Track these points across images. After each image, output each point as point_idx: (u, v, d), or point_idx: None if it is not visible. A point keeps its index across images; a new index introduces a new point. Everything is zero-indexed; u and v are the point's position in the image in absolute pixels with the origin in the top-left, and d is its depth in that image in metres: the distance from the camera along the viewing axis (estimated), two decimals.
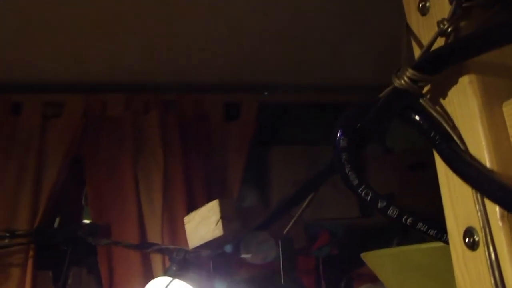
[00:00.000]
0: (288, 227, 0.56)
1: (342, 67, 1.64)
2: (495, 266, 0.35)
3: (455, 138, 0.38)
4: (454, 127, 0.38)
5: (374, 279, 1.83)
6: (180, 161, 1.57)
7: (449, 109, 0.39)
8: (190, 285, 0.46)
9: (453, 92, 0.39)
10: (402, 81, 0.39)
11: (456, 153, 0.37)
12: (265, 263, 0.60)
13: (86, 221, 1.63)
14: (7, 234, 1.46)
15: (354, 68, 1.62)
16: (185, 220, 0.61)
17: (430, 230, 0.42)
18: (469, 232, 0.37)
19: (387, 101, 0.41)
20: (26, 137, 1.57)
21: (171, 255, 0.68)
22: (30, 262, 1.48)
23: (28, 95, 1.62)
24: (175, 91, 1.66)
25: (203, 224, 0.55)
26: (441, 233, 0.42)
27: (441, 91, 0.40)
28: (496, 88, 0.37)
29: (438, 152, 0.39)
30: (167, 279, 0.51)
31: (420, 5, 0.42)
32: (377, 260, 0.56)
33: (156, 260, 1.47)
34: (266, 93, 1.74)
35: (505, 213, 0.34)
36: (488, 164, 0.36)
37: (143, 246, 1.02)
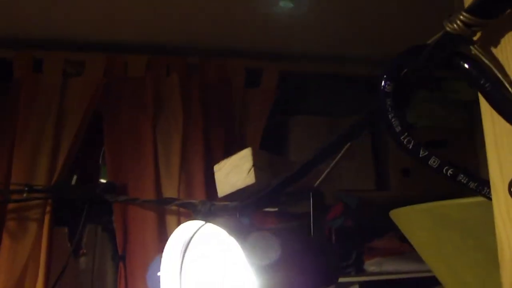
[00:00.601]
0: (319, 180, 0.57)
1: (364, 40, 1.62)
2: None
3: (507, 85, 0.37)
4: (506, 75, 0.38)
5: (384, 253, 1.85)
6: (199, 124, 1.57)
7: (501, 57, 0.39)
8: (224, 229, 0.46)
9: (506, 39, 0.38)
10: (455, 25, 0.38)
11: (507, 98, 0.36)
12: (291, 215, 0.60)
13: (102, 181, 1.65)
14: (26, 189, 1.48)
15: (377, 41, 1.60)
16: (215, 168, 0.61)
17: (470, 182, 0.42)
18: None
19: (437, 46, 0.40)
20: (47, 94, 1.58)
21: (195, 208, 0.69)
22: (47, 218, 1.51)
23: (50, 53, 1.62)
24: (197, 55, 1.65)
25: (235, 172, 0.56)
26: (482, 186, 0.42)
27: (495, 38, 0.39)
28: None
29: (488, 99, 0.38)
30: (198, 223, 0.51)
31: None
32: (407, 216, 0.56)
33: (171, 221, 1.49)
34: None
35: None
36: None
37: (164, 202, 1.02)
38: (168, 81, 1.60)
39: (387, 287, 1.69)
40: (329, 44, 1.68)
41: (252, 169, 0.52)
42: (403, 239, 1.69)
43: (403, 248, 1.67)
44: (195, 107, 1.59)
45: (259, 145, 1.66)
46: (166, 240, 1.56)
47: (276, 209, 0.61)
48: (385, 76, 0.42)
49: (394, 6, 1.44)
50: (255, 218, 0.54)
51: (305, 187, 0.55)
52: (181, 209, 1.48)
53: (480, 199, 0.43)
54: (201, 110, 1.59)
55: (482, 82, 0.38)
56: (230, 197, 0.58)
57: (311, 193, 0.54)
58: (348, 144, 0.50)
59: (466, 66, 0.39)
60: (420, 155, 0.42)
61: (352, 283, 1.67)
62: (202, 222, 0.50)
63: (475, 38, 0.39)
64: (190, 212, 1.48)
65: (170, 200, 0.92)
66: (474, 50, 0.39)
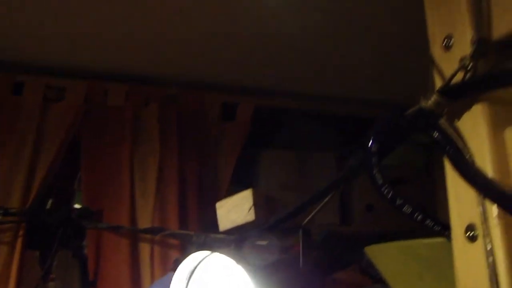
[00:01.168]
0: (307, 219, 0.65)
1: (337, 78, 1.75)
2: (491, 256, 0.45)
3: (466, 152, 0.48)
4: (465, 144, 0.48)
5: (346, 285, 1.94)
6: (175, 153, 1.64)
7: (462, 129, 0.49)
8: (232, 258, 0.54)
9: (466, 117, 0.49)
10: (429, 103, 0.48)
11: (466, 164, 0.47)
12: (282, 250, 0.69)
13: (77, 206, 1.68)
14: (0, 211, 1.50)
15: (348, 81, 1.73)
16: (217, 206, 0.69)
17: (435, 226, 0.52)
18: (470, 227, 0.47)
19: (415, 118, 0.50)
20: (26, 118, 1.60)
21: (190, 239, 0.76)
22: (19, 241, 1.52)
23: (31, 77, 1.66)
24: (175, 86, 1.73)
25: (235, 210, 0.64)
26: (444, 229, 0.52)
27: (457, 115, 0.50)
28: (501, 116, 0.47)
29: (452, 162, 0.48)
30: (203, 253, 0.59)
31: (445, 41, 0.52)
32: (380, 252, 0.66)
33: (145, 248, 1.53)
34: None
35: (501, 212, 0.44)
36: (490, 174, 0.46)
37: (154, 231, 1.07)
38: (147, 110, 1.66)
39: None
40: (302, 82, 1.80)
41: (252, 208, 0.61)
42: (364, 272, 1.80)
43: (364, 281, 1.77)
44: (171, 137, 1.66)
45: (231, 176, 1.74)
46: (138, 267, 1.60)
47: (266, 242, 0.69)
48: (372, 139, 0.52)
49: (365, 49, 1.57)
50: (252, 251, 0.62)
51: (295, 224, 0.64)
52: (155, 238, 1.54)
53: (442, 239, 0.53)
54: (177, 140, 1.66)
55: (447, 148, 0.48)
56: (232, 230, 0.65)
57: (301, 230, 0.63)
58: (333, 192, 0.59)
59: (436, 135, 0.50)
60: (397, 203, 0.52)
61: None
62: (208, 252, 0.57)
63: (443, 113, 0.49)
64: (165, 240, 1.54)
65: (160, 230, 0.97)
66: (442, 123, 0.49)
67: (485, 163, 0.46)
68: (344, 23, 1.43)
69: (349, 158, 1.82)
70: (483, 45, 0.47)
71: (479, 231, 0.46)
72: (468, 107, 0.49)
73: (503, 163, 0.46)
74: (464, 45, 0.50)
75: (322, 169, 1.83)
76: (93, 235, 1.54)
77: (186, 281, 0.61)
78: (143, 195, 1.58)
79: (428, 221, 0.52)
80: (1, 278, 1.47)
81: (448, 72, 0.51)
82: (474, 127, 0.48)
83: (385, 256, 0.65)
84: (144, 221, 1.54)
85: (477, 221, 0.46)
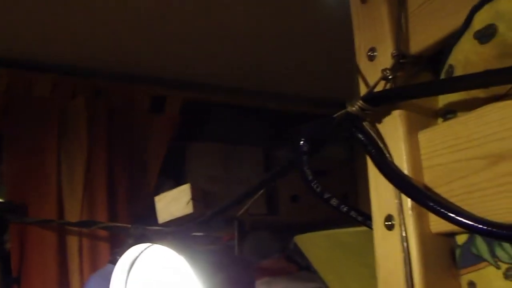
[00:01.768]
0: (241, 211, 0.70)
1: (266, 74, 1.82)
2: (405, 242, 0.52)
3: (385, 152, 0.54)
4: (385, 145, 0.55)
5: (272, 273, 2.02)
6: (104, 146, 1.62)
7: (382, 131, 0.56)
8: (172, 248, 0.57)
9: (386, 121, 0.56)
10: (354, 108, 0.54)
11: (385, 162, 0.53)
12: (216, 240, 0.73)
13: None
14: None
15: (277, 76, 1.79)
16: (156, 199, 0.72)
17: (359, 216, 0.59)
18: (388, 218, 0.54)
19: (341, 121, 0.56)
20: None
21: (127, 232, 0.78)
22: None
23: None
24: (104, 79, 1.71)
25: (174, 204, 0.67)
26: (366, 219, 0.59)
27: (379, 119, 0.56)
28: (416, 121, 0.54)
29: (373, 161, 0.55)
30: (144, 245, 0.61)
31: (369, 53, 0.59)
32: (308, 241, 0.72)
33: (73, 244, 1.51)
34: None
35: (414, 204, 0.51)
36: (405, 171, 0.53)
37: (87, 224, 1.06)
38: (74, 103, 1.63)
39: None
40: (231, 76, 1.85)
41: (191, 201, 0.64)
42: (290, 260, 1.89)
43: (290, 268, 1.85)
44: (100, 130, 1.64)
45: (159, 168, 1.75)
46: (66, 263, 1.58)
47: (203, 233, 0.72)
48: (303, 139, 0.57)
49: (295, 46, 1.64)
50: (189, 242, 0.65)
51: (230, 215, 0.68)
52: (83, 231, 1.52)
53: (365, 228, 0.60)
54: (105, 133, 1.64)
55: (369, 148, 0.55)
56: (167, 224, 0.68)
57: (236, 221, 0.67)
58: (265, 188, 0.64)
59: (360, 136, 0.56)
60: (325, 197, 0.58)
61: None
62: (149, 244, 0.60)
63: (366, 118, 0.56)
64: (93, 234, 1.52)
65: (93, 223, 0.96)
66: (365, 125, 0.56)
67: (402, 161, 0.53)
68: (275, 20, 1.48)
69: (281, 155, 1.90)
70: (402, 58, 0.54)
71: (396, 221, 0.53)
72: (388, 112, 0.56)
73: (416, 161, 0.53)
74: (386, 58, 0.57)
75: (250, 162, 1.89)
76: (16, 230, 1.49)
77: (127, 272, 0.63)
78: (71, 189, 1.55)
79: (352, 213, 0.59)
80: None
81: (371, 81, 0.58)
82: (393, 130, 0.55)
83: (313, 244, 0.71)
84: (72, 216, 1.52)
85: (394, 212, 0.53)
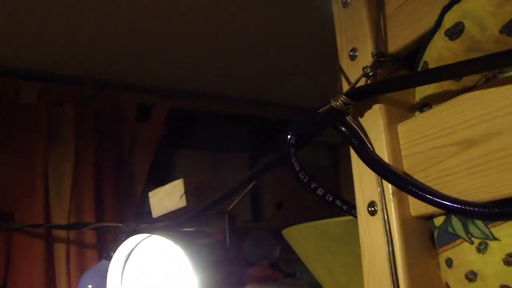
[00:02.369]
0: (232, 205, 0.73)
1: (251, 82, 1.86)
2: (387, 225, 0.56)
3: (367, 143, 0.58)
4: (367, 136, 0.59)
5: (258, 280, 2.05)
6: (91, 153, 1.64)
7: (364, 124, 0.60)
8: (169, 239, 0.60)
9: (368, 114, 0.60)
10: (337, 103, 0.58)
11: (367, 152, 0.57)
12: (208, 235, 0.76)
13: None
14: None
15: (262, 84, 1.84)
16: (150, 195, 0.75)
17: (343, 205, 0.63)
18: (371, 204, 0.58)
19: (326, 115, 0.60)
20: None
21: (119, 230, 0.81)
22: None
23: None
24: (91, 86, 1.73)
25: (168, 198, 0.70)
26: (351, 208, 0.63)
27: (360, 113, 0.61)
28: (395, 114, 0.59)
29: (356, 151, 0.59)
30: (141, 236, 0.64)
31: (351, 53, 0.63)
32: (296, 233, 0.75)
33: (60, 250, 1.52)
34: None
35: (395, 190, 0.55)
36: (386, 160, 0.57)
37: (77, 226, 1.07)
38: (63, 110, 1.65)
39: None
40: (217, 84, 1.89)
41: (184, 195, 0.67)
42: (275, 267, 1.92)
43: (276, 275, 1.88)
44: (88, 137, 1.66)
45: (147, 175, 1.77)
46: (53, 269, 1.59)
47: (194, 229, 0.75)
48: (290, 133, 0.61)
49: (278, 54, 1.69)
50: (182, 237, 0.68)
51: (221, 210, 0.71)
52: (70, 237, 1.53)
53: (350, 218, 0.64)
54: (93, 140, 1.67)
55: (352, 140, 0.59)
56: (161, 218, 0.72)
57: (226, 215, 0.70)
58: (255, 180, 0.68)
59: (343, 129, 0.60)
60: (312, 186, 0.62)
61: None
62: (145, 235, 0.63)
63: (349, 112, 0.60)
64: (81, 240, 1.53)
65: (84, 224, 0.97)
66: (348, 119, 0.60)
67: (383, 151, 0.58)
68: (261, 29, 1.53)
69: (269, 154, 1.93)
70: (382, 57, 0.59)
71: (378, 206, 0.57)
72: (369, 107, 0.60)
73: (396, 151, 0.58)
74: (366, 57, 0.61)
75: (236, 168, 1.92)
76: (2, 238, 1.50)
77: (124, 263, 0.66)
78: (58, 196, 1.57)
79: (337, 202, 0.63)
80: None
81: (353, 78, 0.62)
82: (374, 123, 0.59)
83: (300, 236, 0.75)
84: (60, 220, 1.53)
85: (376, 198, 0.57)
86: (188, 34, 1.55)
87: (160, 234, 0.62)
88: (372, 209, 0.58)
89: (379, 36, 0.61)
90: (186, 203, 0.67)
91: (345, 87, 0.63)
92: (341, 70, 0.64)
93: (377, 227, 0.57)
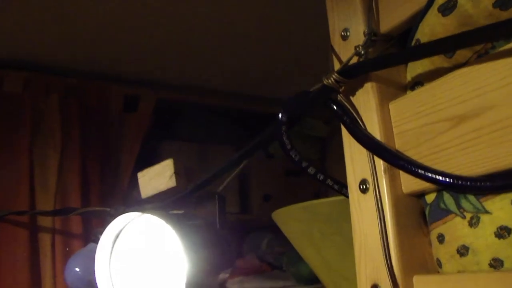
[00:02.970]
0: (222, 186, 0.73)
1: (238, 75, 1.85)
2: (379, 203, 0.56)
3: (359, 121, 0.58)
4: (358, 114, 0.59)
5: (245, 272, 2.05)
6: (77, 144, 1.62)
7: (356, 103, 0.60)
8: (160, 217, 0.59)
9: (360, 92, 0.60)
10: (329, 81, 0.58)
11: (359, 129, 0.57)
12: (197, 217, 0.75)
13: None
14: None
15: (248, 78, 1.83)
16: (139, 175, 0.74)
17: (334, 185, 0.63)
18: (363, 182, 0.58)
19: (317, 93, 0.60)
20: None
21: (108, 213, 0.80)
22: None
23: None
24: (76, 77, 1.71)
25: (157, 178, 0.69)
26: (342, 188, 0.63)
27: (352, 92, 0.61)
28: (387, 93, 0.59)
29: (348, 129, 0.59)
30: (132, 214, 0.63)
31: (342, 33, 0.63)
32: (286, 214, 0.75)
33: (45, 240, 1.50)
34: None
35: (387, 167, 0.55)
36: (378, 138, 0.57)
37: (63, 212, 1.05)
38: (48, 101, 1.62)
39: None
40: (203, 77, 1.88)
41: (174, 175, 0.67)
42: (262, 259, 1.92)
43: (263, 267, 1.88)
44: (73, 127, 1.64)
45: (133, 167, 1.76)
46: (38, 258, 1.56)
47: (182, 211, 0.75)
48: (282, 110, 0.61)
49: (265, 49, 1.69)
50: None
51: (211, 191, 0.71)
52: (56, 226, 1.51)
53: (340, 198, 0.64)
54: (79, 131, 1.64)
55: (344, 118, 0.59)
56: (150, 200, 0.71)
57: (217, 196, 0.70)
58: (246, 160, 0.68)
59: (335, 107, 0.60)
60: (303, 165, 0.61)
61: None
62: (135, 214, 0.62)
63: (341, 90, 0.60)
64: (66, 229, 1.52)
65: (70, 210, 0.95)
66: (340, 97, 0.60)
67: (374, 129, 0.58)
68: (247, 23, 1.53)
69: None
70: (374, 36, 0.59)
71: (370, 184, 0.57)
72: (360, 85, 0.60)
73: (388, 129, 0.58)
74: (358, 36, 0.61)
75: (222, 160, 1.92)
76: None
77: (112, 244, 0.65)
78: (44, 187, 1.54)
79: (328, 181, 0.62)
80: None
81: (345, 58, 0.62)
82: (366, 101, 0.59)
83: (290, 217, 0.75)
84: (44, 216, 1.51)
85: (368, 176, 0.57)
86: (175, 27, 1.53)
87: (151, 213, 0.61)
88: (364, 187, 0.58)
89: (371, 15, 0.61)
90: (175, 183, 0.66)
91: (337, 67, 0.63)
92: (332, 50, 0.64)
93: (369, 205, 0.57)
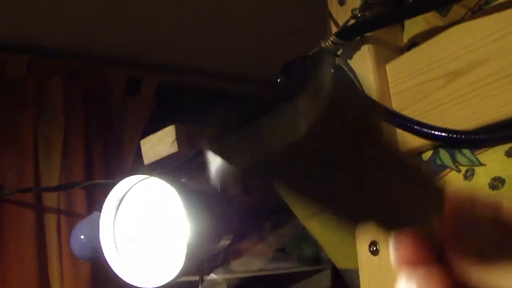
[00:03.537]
0: None
1: (238, 56, 1.86)
2: None
3: (356, 82, 0.59)
4: (356, 76, 0.60)
5: (250, 254, 2.07)
6: (81, 126, 1.64)
7: (353, 65, 0.61)
8: (165, 180, 0.61)
9: (357, 55, 0.61)
10: (327, 43, 0.59)
11: (361, 93, 0.58)
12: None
13: None
14: None
15: (251, 62, 1.84)
16: (141, 142, 0.75)
17: None
18: None
19: (316, 56, 0.61)
20: None
21: (110, 186, 0.81)
22: None
23: None
24: (79, 60, 1.72)
25: (160, 144, 0.70)
26: None
27: (350, 54, 0.61)
28: (383, 54, 0.60)
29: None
30: (136, 177, 0.64)
31: None
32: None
33: (50, 221, 1.52)
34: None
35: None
36: (375, 98, 0.58)
37: (67, 187, 1.07)
38: (51, 83, 1.64)
39: (253, 284, 1.91)
40: (206, 60, 1.88)
41: (175, 141, 0.68)
42: (266, 241, 1.94)
43: (266, 249, 1.91)
44: (76, 110, 1.65)
45: (135, 149, 1.77)
46: (44, 237, 1.57)
47: (185, 179, 0.76)
48: (280, 73, 0.62)
49: (269, 31, 1.69)
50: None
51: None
52: (61, 207, 1.53)
53: None
54: (82, 113, 1.66)
55: (341, 80, 0.60)
56: (153, 166, 0.72)
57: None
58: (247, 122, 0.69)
59: (332, 70, 0.61)
60: None
61: (221, 282, 1.85)
62: (143, 176, 0.64)
63: (339, 53, 0.61)
64: (70, 205, 1.54)
65: (74, 184, 0.96)
66: (338, 60, 0.61)
67: (371, 90, 0.59)
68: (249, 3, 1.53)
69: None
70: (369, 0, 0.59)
71: None
72: (357, 48, 0.61)
73: (385, 89, 0.59)
74: (355, 1, 0.62)
75: None
76: None
77: (116, 208, 0.67)
78: (48, 169, 1.56)
79: None
80: None
81: (342, 22, 0.63)
82: (363, 63, 0.60)
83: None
84: (49, 196, 1.53)
85: None
86: (177, 10, 1.54)
87: (155, 176, 0.63)
88: None
89: None
90: (177, 148, 0.68)
91: (335, 30, 0.64)
92: (330, 15, 0.65)
93: None
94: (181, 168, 0.73)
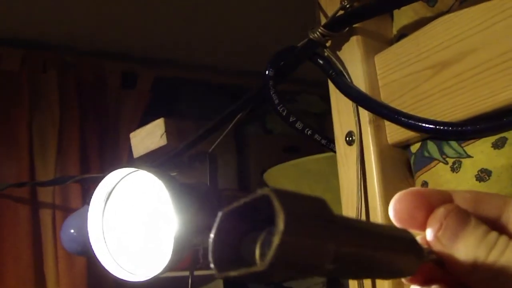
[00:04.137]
0: (214, 145, 0.74)
1: (236, 52, 1.85)
2: (361, 153, 0.56)
3: (345, 74, 0.59)
4: (344, 68, 0.60)
5: None
6: (76, 120, 1.63)
7: (342, 56, 0.60)
8: (153, 174, 0.60)
9: (345, 46, 0.60)
10: (316, 35, 0.59)
11: (344, 82, 0.58)
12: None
13: None
14: None
15: (247, 55, 1.83)
16: (131, 136, 0.75)
17: (322, 139, 0.63)
18: (349, 134, 0.59)
19: (304, 48, 0.60)
20: None
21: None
22: None
23: None
24: (74, 54, 1.71)
25: (149, 137, 0.70)
26: (329, 143, 0.63)
27: (338, 46, 0.61)
28: (372, 46, 0.59)
29: (333, 82, 0.59)
30: (124, 170, 0.64)
31: None
32: (278, 173, 0.76)
33: (46, 215, 1.52)
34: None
35: (372, 118, 0.56)
36: (363, 89, 0.57)
37: (61, 180, 1.06)
38: (45, 77, 1.63)
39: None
40: (202, 54, 1.88)
41: (164, 134, 0.68)
42: None
43: None
44: (71, 104, 1.65)
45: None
46: (39, 232, 1.57)
47: (175, 173, 0.76)
48: (269, 65, 0.61)
49: (271, 26, 1.68)
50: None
51: (203, 151, 0.72)
52: (56, 202, 1.53)
53: (329, 154, 0.64)
54: (77, 107, 1.66)
55: (330, 72, 0.59)
56: (142, 159, 0.72)
57: (208, 155, 0.71)
58: (240, 114, 0.68)
59: (321, 62, 0.60)
60: (290, 120, 0.62)
61: (215, 277, 1.85)
62: (131, 169, 0.63)
63: (327, 44, 0.60)
64: (65, 200, 1.53)
65: (68, 178, 0.96)
66: (326, 51, 0.60)
67: (360, 82, 0.58)
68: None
69: (251, 131, 1.94)
70: None
71: (356, 136, 0.58)
72: (346, 39, 0.60)
73: (373, 81, 0.58)
74: None
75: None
76: None
77: (104, 202, 0.66)
78: (43, 163, 1.56)
79: (316, 136, 0.63)
80: None
81: (331, 13, 0.62)
82: (351, 54, 0.59)
83: (281, 176, 0.75)
84: (44, 191, 1.53)
85: (354, 128, 0.58)
86: (173, 3, 1.53)
87: (143, 169, 0.62)
88: (350, 138, 0.59)
89: None
90: (166, 141, 0.67)
91: (324, 21, 0.63)
92: (319, 6, 0.64)
93: (355, 157, 0.58)
94: (173, 162, 0.72)
